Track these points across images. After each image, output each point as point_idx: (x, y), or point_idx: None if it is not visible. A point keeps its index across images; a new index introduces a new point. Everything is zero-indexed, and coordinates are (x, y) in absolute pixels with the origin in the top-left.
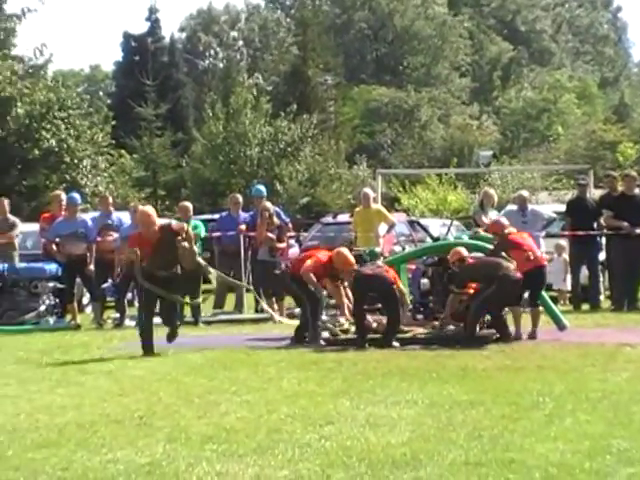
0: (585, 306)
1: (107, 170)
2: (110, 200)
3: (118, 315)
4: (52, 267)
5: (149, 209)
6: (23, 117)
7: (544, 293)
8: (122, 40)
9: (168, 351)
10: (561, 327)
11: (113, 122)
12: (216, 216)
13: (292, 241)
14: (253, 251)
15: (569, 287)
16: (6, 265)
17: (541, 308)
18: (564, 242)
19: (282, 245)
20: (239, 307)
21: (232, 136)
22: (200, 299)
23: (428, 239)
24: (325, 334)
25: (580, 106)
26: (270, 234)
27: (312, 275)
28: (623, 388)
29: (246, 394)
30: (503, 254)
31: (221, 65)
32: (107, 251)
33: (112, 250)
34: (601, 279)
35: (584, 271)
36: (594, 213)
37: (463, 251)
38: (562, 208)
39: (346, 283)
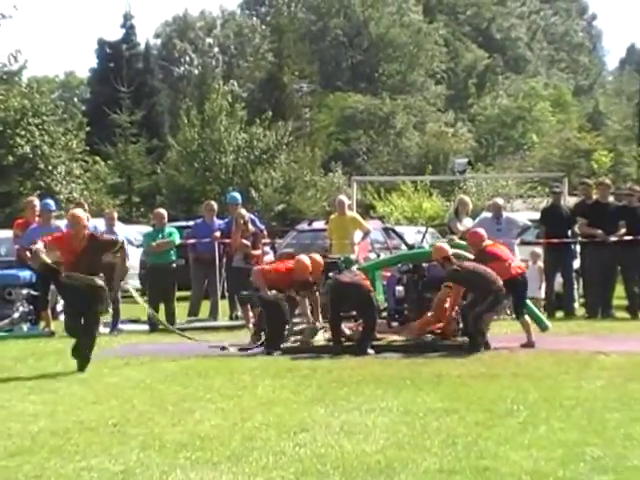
0: (559, 314)
1: (81, 177)
2: (85, 207)
3: None
4: (26, 274)
5: (80, 212)
6: None
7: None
8: (97, 47)
9: (143, 358)
10: (543, 328)
11: (88, 129)
12: (191, 223)
13: (267, 248)
14: (228, 258)
15: (543, 295)
16: None
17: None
18: (539, 250)
19: (257, 252)
20: (214, 314)
21: (207, 143)
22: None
23: (403, 246)
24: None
25: (555, 114)
26: (245, 241)
27: (260, 277)
28: (597, 396)
29: (220, 402)
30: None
31: (196, 72)
32: None
33: None
34: (575, 287)
35: (558, 279)
36: (568, 221)
37: (447, 248)
38: (537, 216)
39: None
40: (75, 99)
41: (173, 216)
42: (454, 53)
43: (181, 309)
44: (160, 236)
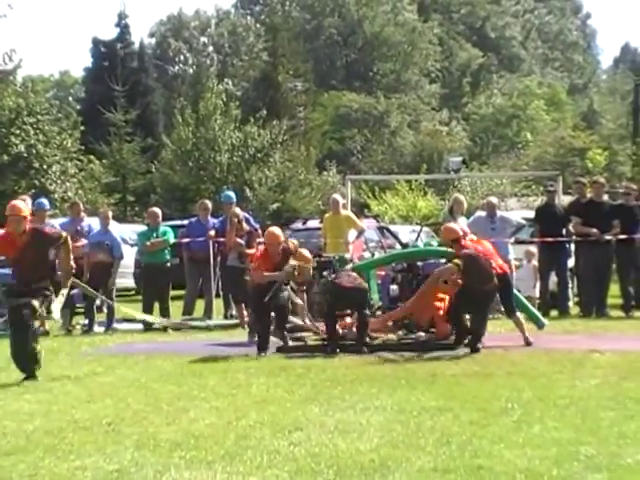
0: (554, 312)
1: (76, 176)
2: (81, 206)
3: (87, 321)
4: None
5: (20, 204)
6: None
7: (519, 295)
8: (91, 46)
9: (138, 357)
10: (540, 326)
11: (82, 128)
12: (185, 222)
13: (261, 247)
14: (222, 257)
15: (538, 294)
16: None
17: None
18: (533, 248)
19: (251, 251)
20: (208, 313)
21: (202, 142)
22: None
23: (397, 245)
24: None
25: (549, 112)
26: (239, 240)
27: (260, 275)
28: (591, 394)
29: (215, 400)
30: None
31: (191, 71)
32: (77, 257)
33: (82, 256)
34: (570, 285)
35: (553, 277)
36: (563, 219)
37: (458, 229)
38: (531, 214)
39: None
40: (70, 98)
41: (167, 215)
42: (448, 52)
43: (176, 308)
44: (154, 235)
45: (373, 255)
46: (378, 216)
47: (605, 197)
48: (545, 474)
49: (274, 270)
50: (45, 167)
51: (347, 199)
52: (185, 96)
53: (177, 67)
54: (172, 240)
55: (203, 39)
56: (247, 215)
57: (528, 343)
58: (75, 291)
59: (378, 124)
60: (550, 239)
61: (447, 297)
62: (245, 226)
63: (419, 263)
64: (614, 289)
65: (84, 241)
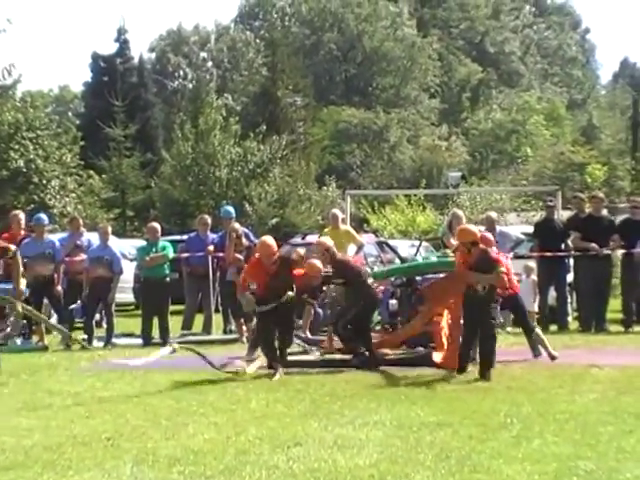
0: (553, 327)
1: (75, 191)
2: (80, 221)
3: (86, 336)
4: None
5: None
6: None
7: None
8: (91, 61)
9: (137, 372)
10: (535, 354)
11: (82, 143)
12: (185, 237)
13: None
14: (221, 272)
15: (537, 308)
16: None
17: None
18: (532, 263)
19: None
20: (207, 328)
21: (201, 157)
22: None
23: (397, 260)
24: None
25: (548, 127)
26: (238, 255)
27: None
28: (590, 409)
29: (214, 416)
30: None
31: (190, 86)
32: (77, 272)
33: (81, 271)
34: (569, 300)
35: (552, 292)
36: (562, 234)
37: (476, 231)
38: (530, 229)
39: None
40: (69, 113)
41: (167, 230)
42: (448, 67)
43: (175, 323)
44: (154, 250)
45: (372, 270)
46: (377, 231)
47: (604, 212)
48: None
49: (269, 281)
50: (44, 182)
51: (346, 214)
52: (184, 111)
53: (176, 82)
54: (171, 255)
55: (203, 54)
56: (246, 230)
57: (552, 357)
58: (74, 306)
59: (377, 139)
60: (549, 254)
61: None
62: (244, 241)
63: (418, 278)
64: (613, 304)
65: (83, 256)
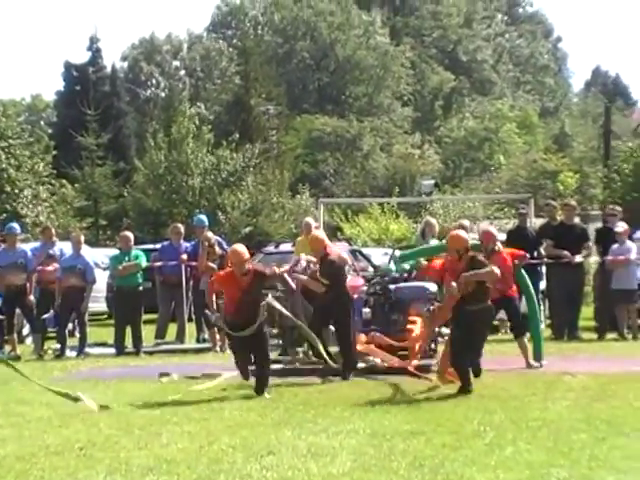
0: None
1: (48, 200)
2: (53, 230)
3: (59, 346)
4: None
5: None
6: None
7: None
8: (63, 69)
9: (110, 382)
10: (537, 359)
11: (54, 152)
12: (158, 246)
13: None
14: (195, 281)
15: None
16: None
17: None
18: None
19: None
20: (180, 337)
21: (174, 165)
22: None
23: (370, 268)
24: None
25: (521, 135)
26: (212, 264)
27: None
28: (563, 417)
29: (187, 425)
30: None
31: (163, 94)
32: (50, 281)
33: (54, 281)
34: (542, 308)
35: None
36: (534, 242)
37: (467, 237)
38: (503, 237)
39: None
40: (41, 122)
41: (140, 239)
42: (420, 75)
43: (148, 332)
44: (126, 259)
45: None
46: (350, 239)
47: (576, 220)
48: None
49: (240, 296)
50: (17, 191)
51: (320, 222)
52: (157, 120)
53: (149, 91)
54: (144, 264)
55: (175, 63)
56: (219, 239)
57: (529, 366)
58: (47, 315)
59: (351, 147)
60: None
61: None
62: (217, 250)
63: (391, 287)
64: (585, 311)
65: (56, 265)
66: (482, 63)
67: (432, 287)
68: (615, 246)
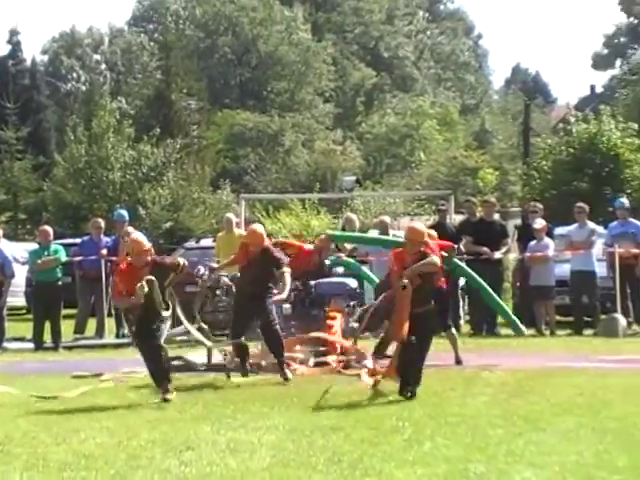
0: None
1: None
2: None
3: None
4: None
5: None
6: None
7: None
8: None
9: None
10: (518, 333)
11: None
12: (77, 240)
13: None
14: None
15: None
16: None
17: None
18: None
19: None
20: (100, 332)
21: (94, 160)
22: None
23: None
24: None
25: (442, 132)
26: None
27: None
28: (481, 412)
29: (106, 420)
30: None
31: (84, 88)
32: None
33: None
34: (461, 304)
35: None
36: (454, 238)
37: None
38: None
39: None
40: None
41: (59, 233)
42: (342, 71)
43: (67, 327)
44: (46, 253)
45: None
46: (271, 235)
47: (496, 216)
48: None
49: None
50: None
51: (241, 218)
52: (78, 114)
53: (70, 84)
54: (64, 258)
55: (96, 57)
56: (140, 234)
57: (458, 362)
58: None
59: (272, 143)
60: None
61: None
62: None
63: (312, 282)
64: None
65: None
66: (403, 60)
67: (352, 283)
68: (533, 243)
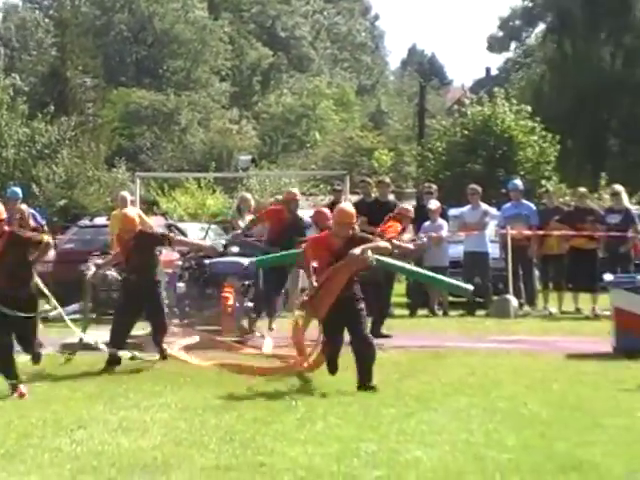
0: None
1: None
2: None
3: None
4: None
5: None
6: None
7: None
8: None
9: None
10: (467, 294)
11: None
12: None
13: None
14: None
15: None
16: None
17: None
18: None
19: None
20: None
21: None
22: None
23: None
24: None
25: (338, 113)
26: None
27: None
28: (374, 392)
29: None
30: None
31: None
32: None
33: None
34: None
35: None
36: None
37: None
38: None
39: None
40: None
41: None
42: (239, 50)
43: None
44: None
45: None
46: (167, 213)
47: (391, 197)
48: (325, 470)
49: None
50: None
51: (136, 196)
52: None
53: None
54: None
55: None
56: (33, 211)
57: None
58: None
59: (168, 121)
60: None
61: None
62: (31, 222)
63: (206, 261)
64: (398, 288)
65: None
66: (300, 40)
67: (246, 262)
68: (427, 223)
